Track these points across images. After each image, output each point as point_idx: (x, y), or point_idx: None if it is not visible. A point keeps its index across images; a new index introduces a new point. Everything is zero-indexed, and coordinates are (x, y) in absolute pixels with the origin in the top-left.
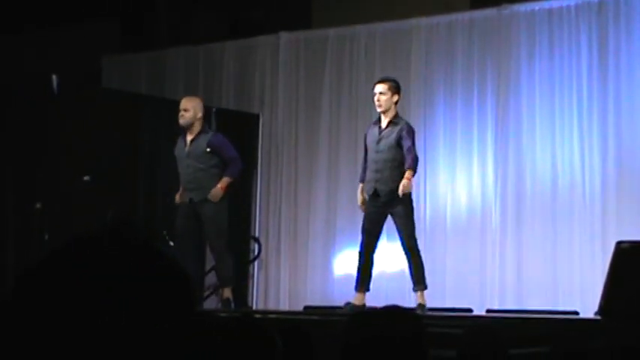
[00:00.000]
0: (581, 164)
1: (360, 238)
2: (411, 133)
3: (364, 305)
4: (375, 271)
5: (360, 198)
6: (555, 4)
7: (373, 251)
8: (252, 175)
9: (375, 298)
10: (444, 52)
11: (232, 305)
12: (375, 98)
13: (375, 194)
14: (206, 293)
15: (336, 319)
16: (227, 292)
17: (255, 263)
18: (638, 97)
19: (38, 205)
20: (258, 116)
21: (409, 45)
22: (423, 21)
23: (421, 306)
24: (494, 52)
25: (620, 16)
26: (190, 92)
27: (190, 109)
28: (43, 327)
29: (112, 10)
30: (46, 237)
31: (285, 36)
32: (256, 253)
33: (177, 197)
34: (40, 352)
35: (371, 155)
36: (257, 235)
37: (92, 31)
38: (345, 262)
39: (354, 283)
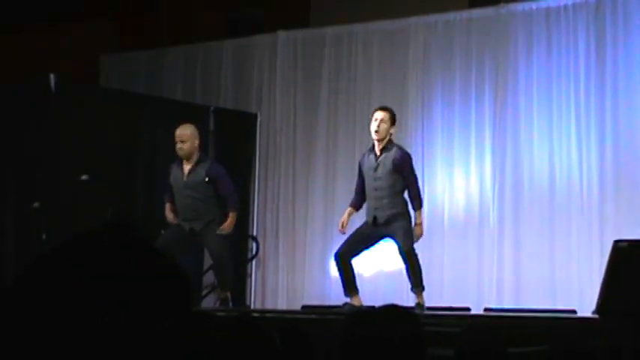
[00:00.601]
0: (579, 163)
1: (341, 244)
2: (407, 161)
3: (362, 305)
4: (372, 271)
5: (343, 219)
6: (553, 3)
7: (351, 258)
8: (250, 174)
9: (372, 298)
10: (442, 51)
11: (230, 304)
12: (375, 125)
13: (374, 221)
14: (204, 292)
15: (334, 318)
16: (225, 292)
17: (253, 262)
18: (636, 96)
19: (36, 205)
20: (256, 115)
21: (407, 44)
22: (421, 20)
23: (419, 305)
24: (492, 50)
25: (617, 15)
26: (189, 92)
27: (187, 140)
28: (41, 325)
29: (110, 9)
30: (44, 236)
31: (283, 35)
32: (254, 252)
33: (170, 216)
34: (38, 350)
35: (369, 183)
36: (255, 234)
37: (91, 30)
38: None
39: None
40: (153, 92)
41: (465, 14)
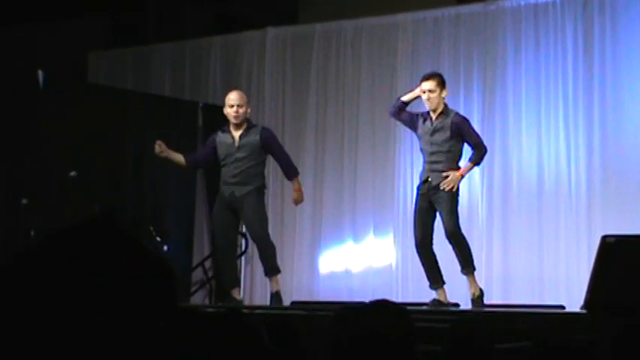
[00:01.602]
0: (567, 159)
1: (414, 234)
2: (466, 123)
3: (447, 300)
4: (361, 267)
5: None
6: (541, 0)
7: (430, 244)
8: None
9: (361, 294)
10: (430, 48)
11: (282, 301)
12: (425, 97)
13: (426, 180)
14: (193, 288)
15: (324, 314)
16: (276, 285)
17: (242, 259)
18: (624, 92)
19: (25, 201)
20: None
21: (396, 40)
22: (410, 16)
23: (474, 297)
24: (480, 47)
25: (605, 11)
26: (177, 88)
27: (244, 105)
28: (24, 320)
29: (98, 5)
30: (33, 233)
31: (272, 31)
32: (243, 248)
33: (159, 146)
34: (20, 346)
35: (425, 148)
36: (244, 230)
37: (79, 26)
38: (331, 258)
39: (341, 280)
40: (141, 89)
41: (453, 11)
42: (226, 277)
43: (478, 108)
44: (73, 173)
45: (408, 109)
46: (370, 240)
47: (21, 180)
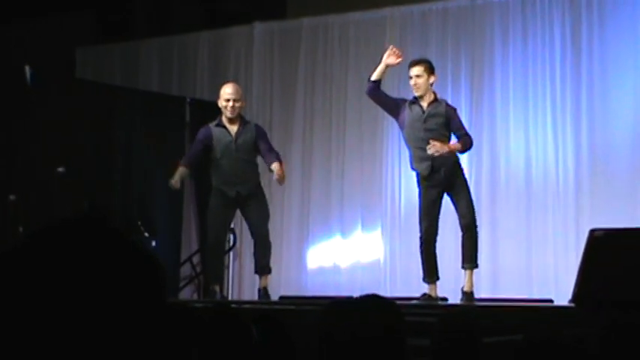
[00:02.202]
0: (555, 153)
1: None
2: (457, 113)
3: (437, 296)
4: (349, 262)
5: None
6: None
7: (436, 239)
8: None
9: (349, 289)
10: (418, 42)
11: (270, 297)
12: (412, 82)
13: (433, 172)
14: (182, 284)
15: (313, 308)
16: (265, 281)
17: (231, 253)
18: (611, 85)
19: (12, 197)
20: None
21: (383, 34)
22: (397, 10)
23: (467, 293)
24: (468, 41)
25: (592, 6)
26: (165, 83)
27: (240, 99)
28: (11, 317)
29: (86, 1)
30: (21, 229)
31: (259, 26)
32: (232, 243)
33: (177, 181)
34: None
35: (416, 134)
36: (232, 225)
37: (66, 22)
38: (319, 254)
39: (329, 275)
40: (129, 84)
41: (440, 5)
42: (213, 272)
43: (466, 102)
44: (61, 169)
45: (399, 93)
46: (358, 235)
47: (9, 176)
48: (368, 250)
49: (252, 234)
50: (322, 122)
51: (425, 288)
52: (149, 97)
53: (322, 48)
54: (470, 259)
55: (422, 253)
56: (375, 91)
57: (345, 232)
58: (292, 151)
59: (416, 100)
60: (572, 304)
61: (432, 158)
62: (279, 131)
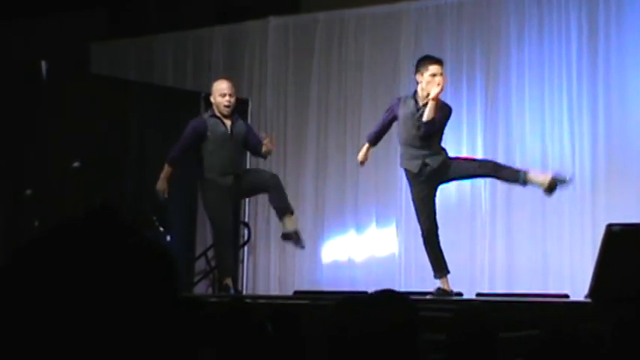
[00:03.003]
0: (571, 148)
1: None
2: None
3: (450, 290)
4: (364, 256)
5: (361, 154)
6: None
7: (437, 232)
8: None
9: (364, 283)
10: (433, 37)
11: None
12: (437, 80)
13: (424, 167)
14: (196, 278)
15: (326, 303)
16: (291, 223)
17: (245, 248)
18: (628, 82)
19: (28, 192)
20: (247, 101)
21: (399, 29)
22: (412, 5)
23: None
24: (483, 35)
25: (610, 1)
26: (179, 78)
27: (234, 94)
28: (26, 313)
29: None
30: (36, 223)
31: (274, 21)
32: (246, 238)
33: (163, 186)
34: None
35: (408, 130)
36: (246, 220)
37: (81, 17)
38: (334, 248)
39: (344, 270)
40: (144, 79)
41: None
42: (224, 265)
43: (481, 97)
44: (76, 164)
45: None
46: (373, 230)
47: (24, 171)
48: (383, 245)
49: (263, 181)
50: (337, 117)
51: (439, 283)
52: (164, 92)
53: (337, 43)
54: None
55: (426, 249)
56: (378, 138)
57: (359, 227)
58: (307, 146)
59: (413, 96)
60: (589, 300)
61: (423, 157)
62: (294, 126)
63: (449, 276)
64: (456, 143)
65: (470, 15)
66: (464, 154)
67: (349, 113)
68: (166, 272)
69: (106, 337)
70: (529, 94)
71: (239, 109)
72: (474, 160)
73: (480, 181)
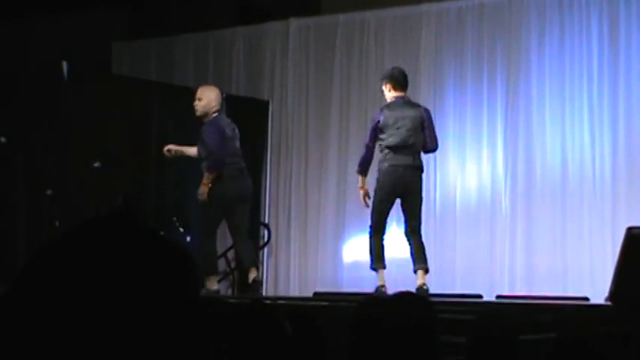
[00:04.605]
0: (592, 150)
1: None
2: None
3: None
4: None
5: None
6: None
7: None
8: (262, 161)
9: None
10: (453, 39)
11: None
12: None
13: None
14: (217, 279)
15: (346, 305)
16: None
17: (265, 249)
18: None
19: (49, 192)
20: (268, 102)
21: (419, 31)
22: (433, 7)
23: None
24: (504, 38)
25: (631, 2)
26: (200, 79)
27: (203, 99)
28: (49, 312)
29: None
30: (57, 223)
31: (294, 22)
32: (266, 239)
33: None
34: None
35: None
36: (267, 221)
37: (102, 17)
38: (355, 248)
39: (365, 270)
40: (165, 79)
41: (476, 1)
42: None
43: (502, 99)
44: (97, 164)
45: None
46: (394, 230)
47: (46, 171)
48: (403, 246)
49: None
50: (358, 118)
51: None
52: (184, 92)
53: (358, 44)
54: (425, 261)
55: (411, 243)
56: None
57: None
58: (329, 148)
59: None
60: (609, 303)
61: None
62: (315, 127)
63: (467, 277)
64: (477, 144)
65: (490, 17)
66: (484, 155)
67: (370, 114)
68: (185, 273)
69: (124, 339)
70: (549, 96)
71: (259, 109)
72: None
73: (500, 183)
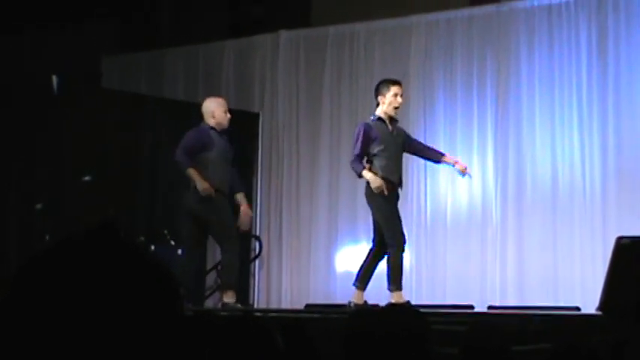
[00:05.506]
0: (582, 160)
1: (399, 233)
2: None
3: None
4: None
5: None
6: (555, 0)
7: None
8: (253, 173)
9: (377, 296)
10: (443, 49)
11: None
12: (399, 99)
13: (399, 184)
14: (207, 292)
15: (338, 317)
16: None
17: (257, 262)
18: (638, 92)
19: (39, 206)
20: (258, 115)
21: (409, 42)
22: (423, 18)
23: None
24: (493, 48)
25: (619, 12)
26: (190, 92)
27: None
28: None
29: (111, 9)
30: (47, 237)
31: (284, 34)
32: (257, 251)
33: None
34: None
35: (391, 149)
36: (258, 233)
37: (92, 31)
38: (347, 260)
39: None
40: (155, 92)
41: (466, 12)
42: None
43: (492, 109)
44: (87, 178)
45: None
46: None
47: (35, 185)
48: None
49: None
50: (349, 129)
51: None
52: (175, 105)
53: (348, 56)
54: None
55: (400, 264)
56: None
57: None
58: (319, 159)
59: (379, 120)
60: (600, 313)
61: (400, 173)
62: (306, 139)
63: (461, 288)
64: (467, 154)
65: (480, 27)
66: (474, 165)
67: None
68: (164, 289)
69: (104, 357)
70: (539, 106)
71: (249, 121)
72: None
73: (491, 193)
